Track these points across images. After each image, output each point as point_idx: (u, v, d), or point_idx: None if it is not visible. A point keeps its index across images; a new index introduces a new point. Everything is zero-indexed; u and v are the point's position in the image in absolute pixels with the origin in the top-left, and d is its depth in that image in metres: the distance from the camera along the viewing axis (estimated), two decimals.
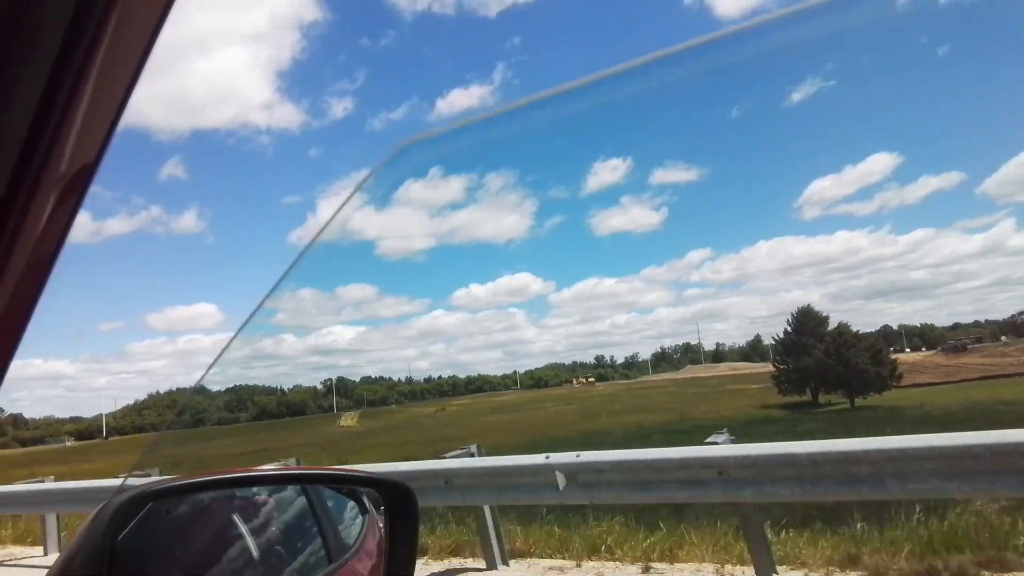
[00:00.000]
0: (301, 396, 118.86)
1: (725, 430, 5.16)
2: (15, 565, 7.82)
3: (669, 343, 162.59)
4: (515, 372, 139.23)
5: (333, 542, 1.60)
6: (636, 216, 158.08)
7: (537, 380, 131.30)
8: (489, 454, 6.14)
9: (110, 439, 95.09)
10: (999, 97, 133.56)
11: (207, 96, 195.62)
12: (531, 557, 5.86)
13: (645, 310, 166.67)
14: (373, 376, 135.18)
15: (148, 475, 4.50)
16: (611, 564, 5.37)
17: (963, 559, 4.34)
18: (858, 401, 58.95)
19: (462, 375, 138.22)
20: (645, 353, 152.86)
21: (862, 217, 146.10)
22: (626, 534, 5.79)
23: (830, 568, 4.61)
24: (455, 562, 6.01)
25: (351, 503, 1.80)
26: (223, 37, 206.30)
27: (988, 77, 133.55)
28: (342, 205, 1.28)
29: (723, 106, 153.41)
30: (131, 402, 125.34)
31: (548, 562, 5.67)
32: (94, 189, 0.55)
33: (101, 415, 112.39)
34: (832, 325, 66.45)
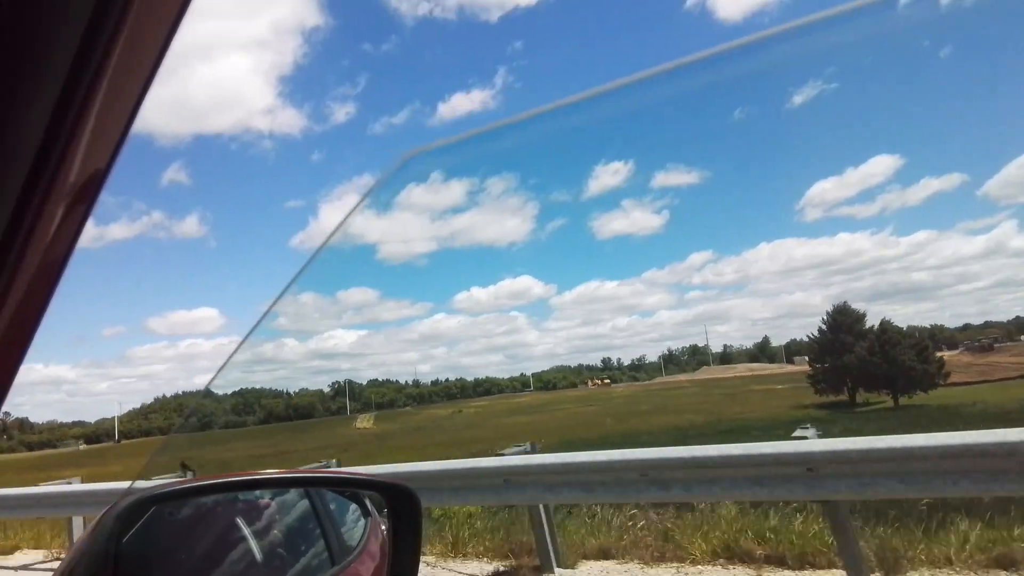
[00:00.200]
0: (309, 399, 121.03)
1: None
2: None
3: (671, 345, 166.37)
4: (523, 375, 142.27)
5: (336, 545, 1.64)
6: (637, 219, 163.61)
7: (545, 382, 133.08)
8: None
9: (122, 443, 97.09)
10: (1000, 99, 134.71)
11: (210, 101, 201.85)
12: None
13: (646, 313, 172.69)
14: (380, 379, 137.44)
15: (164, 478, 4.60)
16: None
17: None
18: (901, 400, 58.02)
19: (469, 378, 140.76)
20: (648, 355, 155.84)
21: (864, 219, 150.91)
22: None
23: None
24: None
25: (353, 506, 1.85)
26: (226, 43, 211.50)
27: (989, 79, 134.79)
28: (347, 216, 1.33)
29: (725, 109, 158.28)
30: (136, 406, 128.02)
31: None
32: (99, 196, 0.57)
33: (104, 419, 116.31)
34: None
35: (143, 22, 0.49)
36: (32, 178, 0.50)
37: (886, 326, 64.17)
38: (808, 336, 72.59)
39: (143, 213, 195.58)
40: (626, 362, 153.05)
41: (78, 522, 8.10)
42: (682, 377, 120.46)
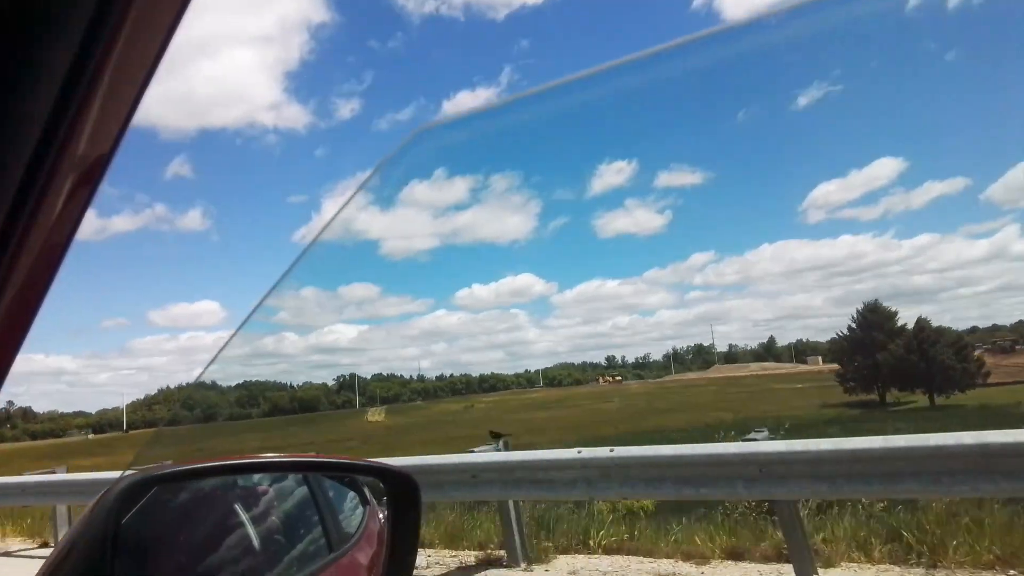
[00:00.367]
0: (313, 393, 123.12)
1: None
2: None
3: (672, 345, 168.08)
4: (527, 371, 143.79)
5: (334, 531, 1.68)
6: (640, 218, 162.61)
7: (550, 379, 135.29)
8: None
9: (130, 433, 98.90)
10: (1005, 102, 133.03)
11: (214, 96, 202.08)
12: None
13: (647, 312, 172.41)
14: (385, 374, 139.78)
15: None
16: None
17: None
18: (937, 400, 57.39)
19: (471, 374, 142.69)
20: (651, 354, 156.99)
21: (867, 221, 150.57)
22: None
23: None
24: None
25: (351, 493, 1.89)
26: (232, 38, 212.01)
27: (995, 82, 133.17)
28: (351, 197, 1.36)
29: (729, 110, 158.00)
30: (138, 397, 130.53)
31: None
32: (100, 186, 0.58)
33: (104, 410, 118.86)
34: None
35: (147, 12, 0.51)
36: (33, 165, 0.51)
37: (923, 324, 63.53)
38: (837, 334, 72.17)
39: (146, 206, 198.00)
40: (630, 360, 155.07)
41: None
42: (694, 375, 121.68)
